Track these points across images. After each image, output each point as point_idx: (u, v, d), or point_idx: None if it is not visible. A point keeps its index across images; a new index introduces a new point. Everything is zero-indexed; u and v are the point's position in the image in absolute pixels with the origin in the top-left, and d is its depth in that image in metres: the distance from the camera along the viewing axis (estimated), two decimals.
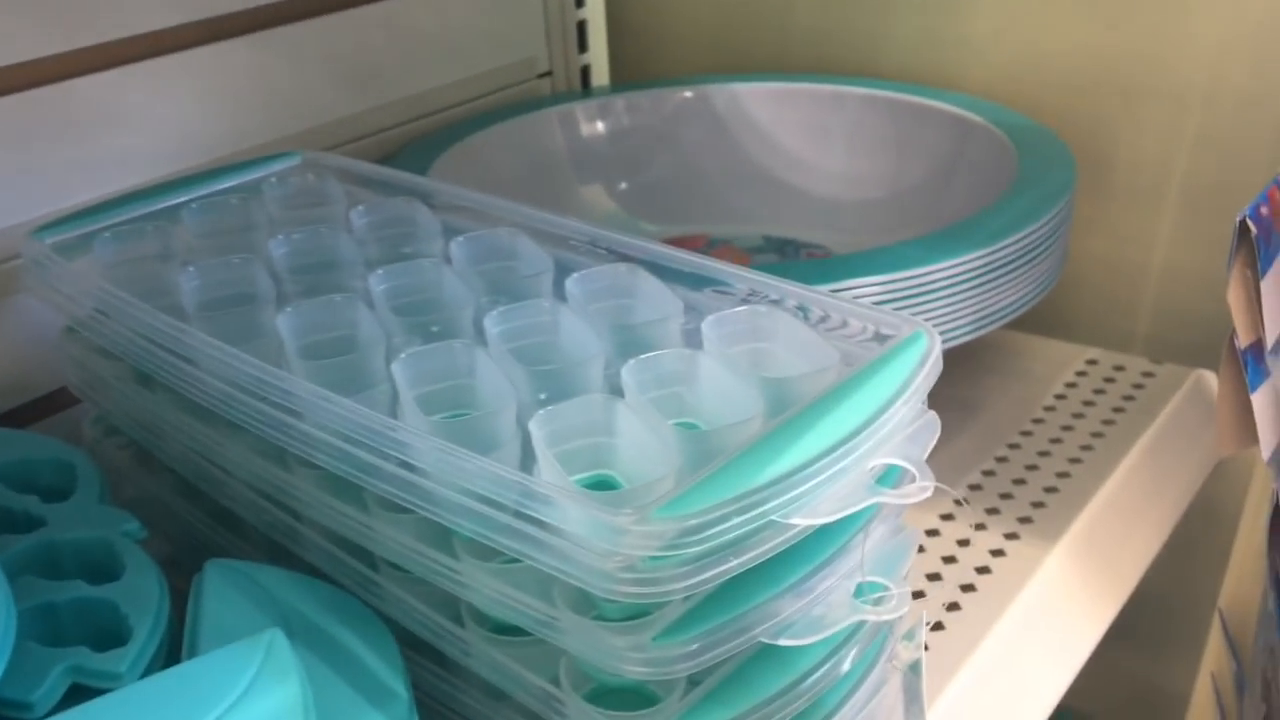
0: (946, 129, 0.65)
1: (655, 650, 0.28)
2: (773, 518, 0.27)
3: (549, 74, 0.78)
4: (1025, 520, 0.50)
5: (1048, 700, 0.45)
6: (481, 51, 0.73)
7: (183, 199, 0.46)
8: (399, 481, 0.31)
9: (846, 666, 0.32)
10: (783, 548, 0.28)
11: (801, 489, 0.27)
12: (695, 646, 0.28)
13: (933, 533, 0.50)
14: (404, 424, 0.31)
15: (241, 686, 0.28)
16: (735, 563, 0.27)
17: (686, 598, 0.29)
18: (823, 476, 0.27)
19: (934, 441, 0.30)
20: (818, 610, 0.30)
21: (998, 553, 0.48)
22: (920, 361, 0.31)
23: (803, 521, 0.27)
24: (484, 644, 0.32)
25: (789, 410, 0.29)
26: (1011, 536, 0.49)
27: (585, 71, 0.80)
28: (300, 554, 0.37)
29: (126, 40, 0.54)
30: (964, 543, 0.49)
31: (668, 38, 0.81)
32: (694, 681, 0.30)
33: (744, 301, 0.36)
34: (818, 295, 0.36)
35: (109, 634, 0.34)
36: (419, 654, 0.35)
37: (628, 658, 0.28)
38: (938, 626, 0.44)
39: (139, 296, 0.38)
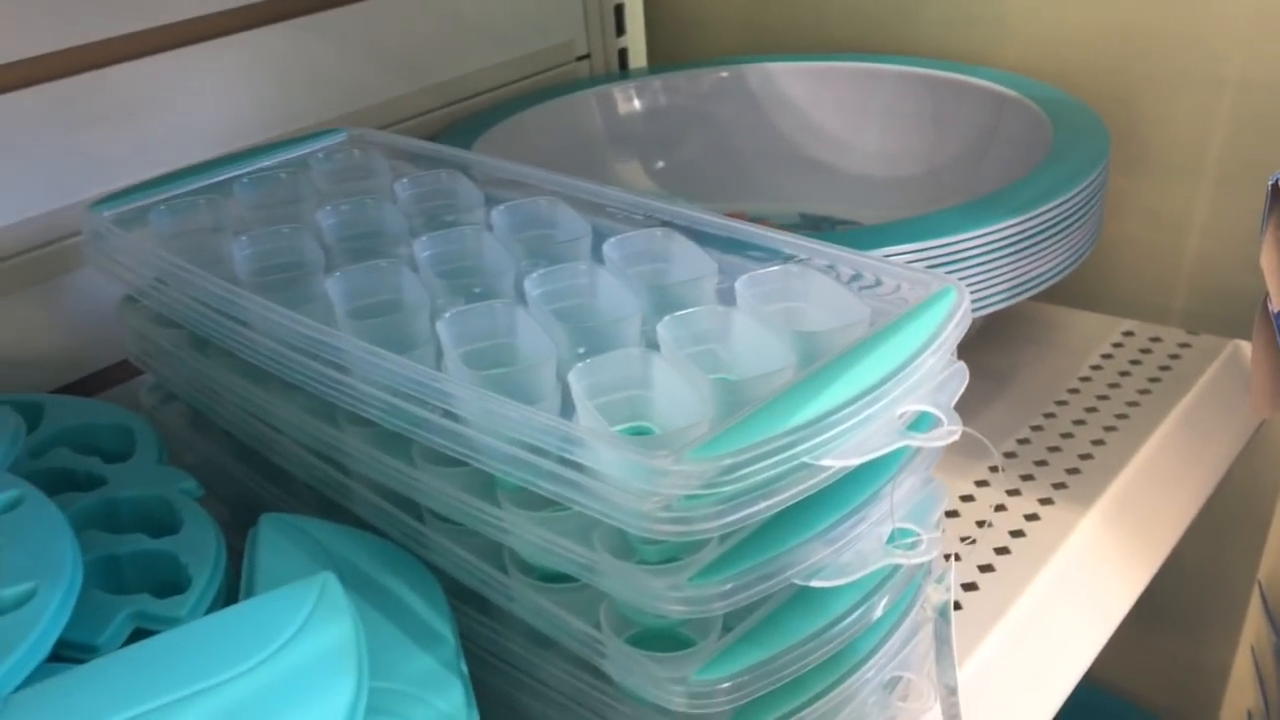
0: (981, 104, 0.65)
1: (691, 589, 0.29)
2: (804, 459, 0.28)
3: (587, 57, 0.79)
4: (1060, 486, 0.50)
5: (1080, 660, 0.45)
6: (521, 35, 0.74)
7: (233, 174, 0.48)
8: (445, 432, 0.32)
9: (878, 613, 0.32)
10: (815, 490, 0.29)
11: (832, 432, 0.28)
12: (729, 586, 0.29)
13: (967, 498, 0.50)
14: (449, 376, 0.32)
15: (298, 623, 0.29)
16: (769, 503, 0.28)
17: (722, 540, 0.30)
18: (853, 421, 0.28)
19: (962, 389, 0.31)
20: (850, 554, 0.31)
21: (1032, 517, 0.49)
22: (949, 314, 0.32)
23: (833, 463, 0.28)
24: (527, 590, 0.33)
25: (820, 360, 0.30)
26: (1046, 502, 0.49)
27: (623, 54, 0.81)
28: (350, 509, 0.39)
29: (179, 24, 0.56)
30: (999, 508, 0.50)
31: (704, 20, 0.82)
32: (730, 628, 0.31)
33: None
34: (849, 255, 0.36)
35: (169, 584, 0.36)
36: (464, 603, 0.36)
37: (665, 596, 0.29)
38: (971, 587, 0.45)
39: (194, 265, 0.40)
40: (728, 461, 0.27)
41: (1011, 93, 0.63)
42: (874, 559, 0.30)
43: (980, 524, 0.48)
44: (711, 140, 0.73)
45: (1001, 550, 0.47)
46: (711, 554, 0.29)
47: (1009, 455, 0.53)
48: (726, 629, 0.31)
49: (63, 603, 0.31)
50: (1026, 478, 0.51)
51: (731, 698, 0.30)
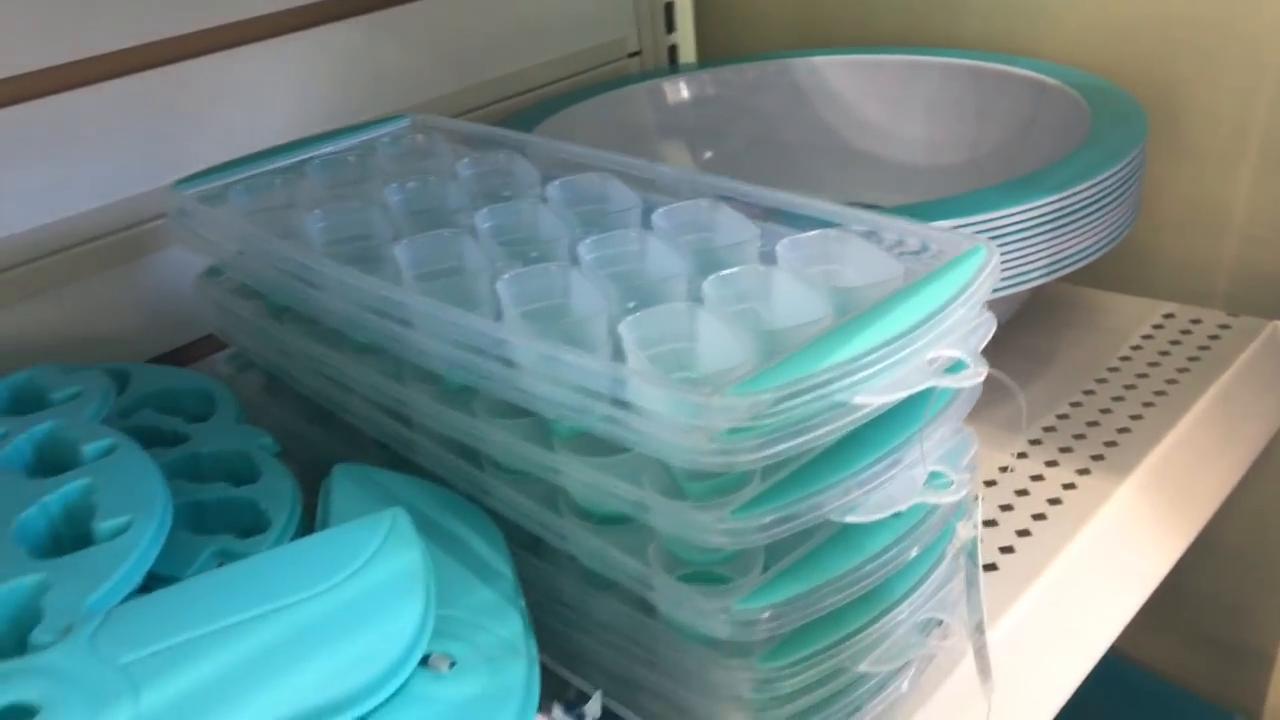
0: (1023, 93, 0.66)
1: (734, 522, 0.31)
2: (840, 397, 0.30)
3: (638, 54, 0.81)
4: (1097, 457, 0.52)
5: (1113, 623, 0.47)
6: (574, 33, 0.77)
7: (306, 156, 0.51)
8: (505, 380, 0.34)
9: (913, 553, 0.34)
10: (850, 429, 0.31)
11: (866, 372, 0.30)
12: (769, 519, 0.31)
13: (1005, 469, 0.52)
14: (509, 327, 0.35)
15: (370, 550, 0.32)
16: (806, 438, 0.30)
17: (764, 478, 0.32)
18: (885, 363, 0.30)
19: (989, 337, 0.33)
20: (883, 494, 0.32)
21: (1069, 486, 0.50)
22: (978, 270, 0.34)
23: (867, 400, 0.30)
24: (582, 531, 0.35)
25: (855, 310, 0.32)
26: (1083, 472, 0.51)
27: (672, 51, 0.84)
28: (415, 461, 0.41)
29: (251, 21, 0.60)
30: (1037, 478, 0.51)
31: (752, 16, 0.84)
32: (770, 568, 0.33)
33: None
34: (887, 220, 0.38)
35: (250, 529, 0.38)
36: (521, 548, 0.38)
37: (711, 529, 0.31)
38: (1008, 550, 0.46)
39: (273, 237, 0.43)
40: (767, 397, 0.29)
41: (1052, 80, 0.65)
42: (908, 496, 0.32)
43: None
44: (758, 132, 0.75)
45: (1039, 516, 0.48)
46: (753, 490, 0.32)
47: (1048, 429, 0.54)
48: (766, 569, 0.33)
49: (155, 534, 0.33)
50: (1065, 450, 0.52)
51: (771, 626, 0.32)
